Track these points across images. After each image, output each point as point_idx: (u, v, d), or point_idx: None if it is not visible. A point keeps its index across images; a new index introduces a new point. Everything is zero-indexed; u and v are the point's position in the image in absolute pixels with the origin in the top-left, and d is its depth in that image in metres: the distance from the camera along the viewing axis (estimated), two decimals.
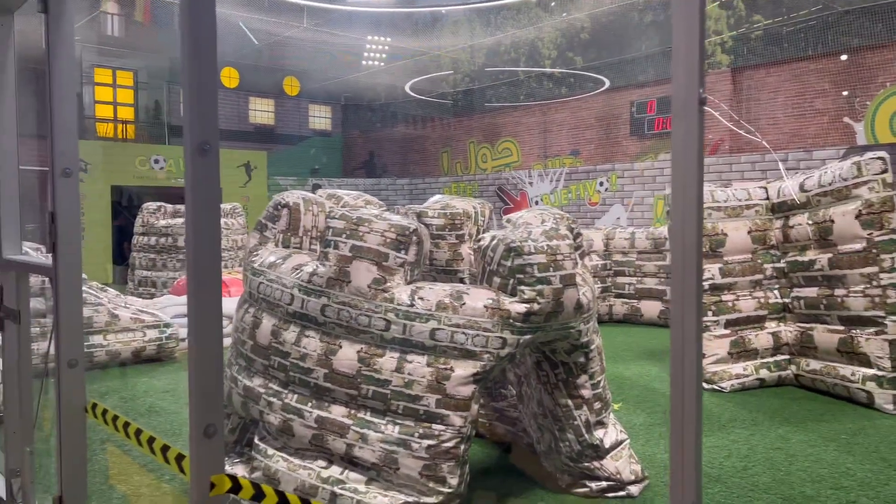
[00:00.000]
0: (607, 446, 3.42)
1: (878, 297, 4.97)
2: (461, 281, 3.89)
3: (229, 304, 4.27)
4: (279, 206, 3.54)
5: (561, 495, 3.45)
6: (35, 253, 5.89)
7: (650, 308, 9.17)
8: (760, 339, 5.70)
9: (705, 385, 5.54)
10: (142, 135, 17.60)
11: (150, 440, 2.11)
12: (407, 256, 3.00)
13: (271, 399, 3.04)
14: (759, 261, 5.80)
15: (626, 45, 15.51)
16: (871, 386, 4.96)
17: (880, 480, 3.61)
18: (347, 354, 2.91)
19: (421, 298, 2.90)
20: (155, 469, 3.74)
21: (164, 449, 2.01)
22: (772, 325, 5.77)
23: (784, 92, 13.38)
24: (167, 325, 6.87)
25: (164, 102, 17.77)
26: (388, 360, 2.86)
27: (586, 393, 3.36)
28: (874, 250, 5.00)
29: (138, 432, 2.18)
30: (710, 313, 5.66)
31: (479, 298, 2.94)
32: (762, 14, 13.71)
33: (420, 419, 2.82)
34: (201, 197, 1.67)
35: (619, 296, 9.47)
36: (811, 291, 5.51)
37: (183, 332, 6.68)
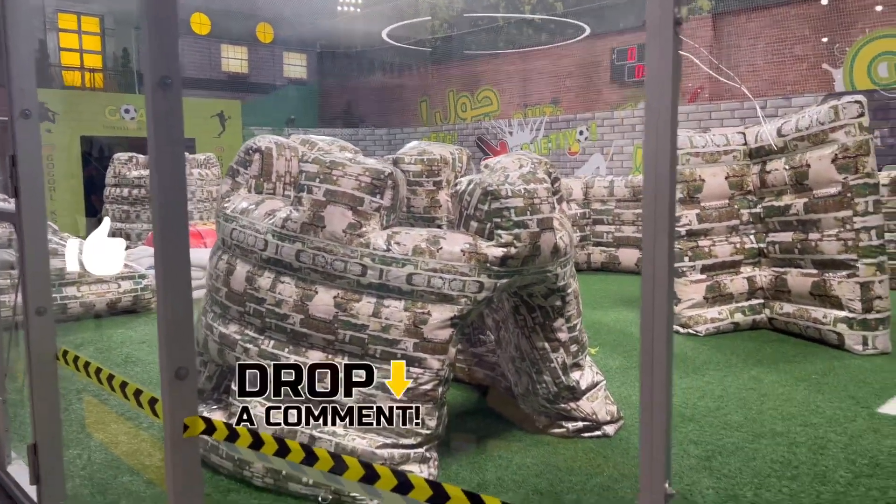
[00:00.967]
0: (583, 388, 3.47)
1: (852, 240, 5.04)
2: (439, 228, 3.85)
3: (205, 255, 4.21)
4: (251, 151, 3.46)
5: (538, 436, 3.51)
6: (2, 203, 5.75)
7: (628, 256, 9.24)
8: (735, 283, 5.77)
9: (681, 329, 5.63)
10: (111, 84, 17.05)
11: (123, 385, 2.08)
12: (382, 201, 2.95)
13: (247, 345, 3.02)
14: (735, 206, 5.83)
15: None
16: (841, 328, 5.07)
17: (847, 417, 3.71)
18: (323, 300, 2.89)
19: (397, 243, 2.87)
20: (133, 417, 3.74)
21: (137, 393, 1.99)
22: (747, 270, 5.84)
23: (764, 38, 13.27)
24: (142, 276, 6.79)
25: (133, 50, 17.16)
26: (364, 305, 2.85)
27: (563, 336, 3.39)
28: (849, 194, 5.04)
29: (110, 378, 2.16)
30: (686, 259, 5.70)
31: (455, 243, 2.91)
32: None
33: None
34: (164, 133, 1.62)
35: (597, 244, 9.53)
36: (786, 236, 5.56)
37: None
